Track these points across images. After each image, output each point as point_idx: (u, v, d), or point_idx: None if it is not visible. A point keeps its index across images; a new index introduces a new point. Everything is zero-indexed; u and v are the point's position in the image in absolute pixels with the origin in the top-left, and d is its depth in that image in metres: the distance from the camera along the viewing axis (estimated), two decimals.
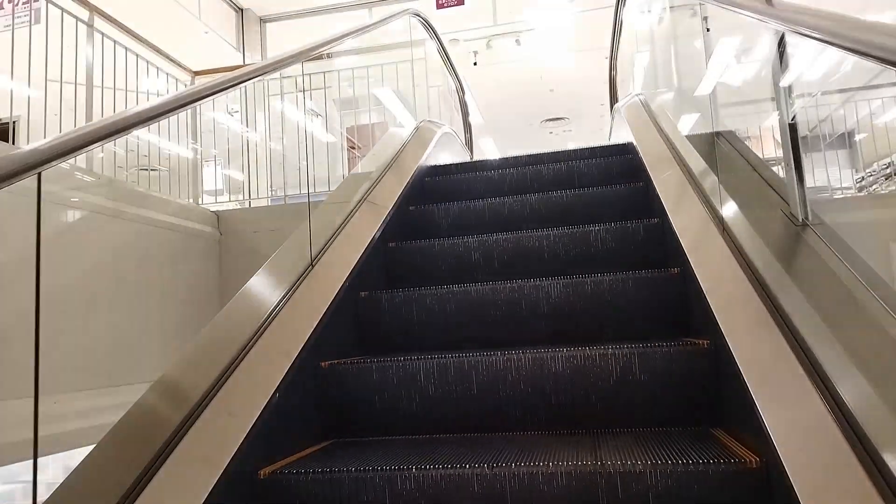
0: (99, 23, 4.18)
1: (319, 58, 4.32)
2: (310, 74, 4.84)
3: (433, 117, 4.50)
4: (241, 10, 7.52)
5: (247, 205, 5.56)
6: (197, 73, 4.89)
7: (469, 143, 5.31)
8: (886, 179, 8.52)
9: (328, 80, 5.23)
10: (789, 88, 1.68)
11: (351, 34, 2.89)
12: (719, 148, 2.00)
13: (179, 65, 4.77)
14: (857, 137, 8.70)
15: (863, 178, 8.94)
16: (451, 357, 1.68)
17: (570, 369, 1.62)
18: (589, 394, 1.61)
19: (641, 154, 2.63)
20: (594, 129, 12.00)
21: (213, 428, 1.33)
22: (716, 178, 1.90)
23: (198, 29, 7.17)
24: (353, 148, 7.06)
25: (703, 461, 1.20)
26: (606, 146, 3.39)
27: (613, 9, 4.55)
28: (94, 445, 1.25)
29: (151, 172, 4.64)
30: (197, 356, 1.56)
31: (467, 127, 5.45)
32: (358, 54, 5.57)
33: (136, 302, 3.60)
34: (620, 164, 2.97)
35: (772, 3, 1.56)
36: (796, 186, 1.62)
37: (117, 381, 3.28)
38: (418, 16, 4.15)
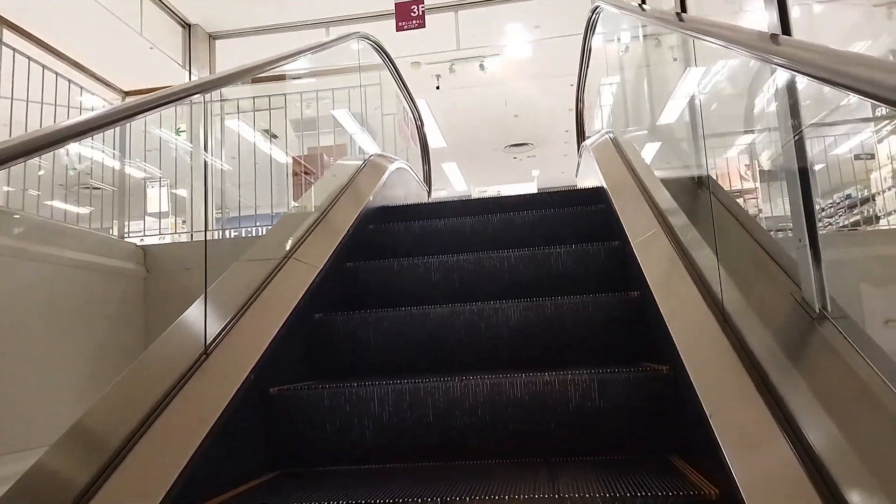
0: (12, 37, 3.73)
1: (258, 79, 3.94)
2: (253, 97, 4.45)
3: (387, 149, 4.13)
4: (189, 27, 7.07)
5: (188, 234, 5.11)
6: (128, 94, 4.45)
7: (427, 178, 4.90)
8: (847, 211, 8.51)
9: (279, 102, 4.84)
10: (803, 145, 1.37)
11: (290, 57, 2.54)
12: (716, 210, 1.68)
13: (107, 83, 4.33)
14: (816, 168, 8.66)
15: (822, 210, 8.94)
16: (407, 383, 1.61)
17: (529, 395, 1.57)
18: (548, 421, 1.56)
19: (614, 203, 2.32)
20: (558, 156, 11.85)
21: (148, 460, 1.24)
22: (713, 253, 1.57)
23: (141, 45, 6.72)
24: (307, 173, 6.67)
25: (661, 493, 1.17)
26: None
27: (582, 36, 4.27)
28: None
29: (89, 191, 4.18)
30: (127, 385, 1.46)
31: (426, 158, 5.06)
32: (314, 76, 5.22)
33: (39, 356, 3.13)
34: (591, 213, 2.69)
35: (777, 41, 1.26)
36: (812, 269, 1.30)
37: (13, 447, 2.83)
38: (367, 38, 3.78)
